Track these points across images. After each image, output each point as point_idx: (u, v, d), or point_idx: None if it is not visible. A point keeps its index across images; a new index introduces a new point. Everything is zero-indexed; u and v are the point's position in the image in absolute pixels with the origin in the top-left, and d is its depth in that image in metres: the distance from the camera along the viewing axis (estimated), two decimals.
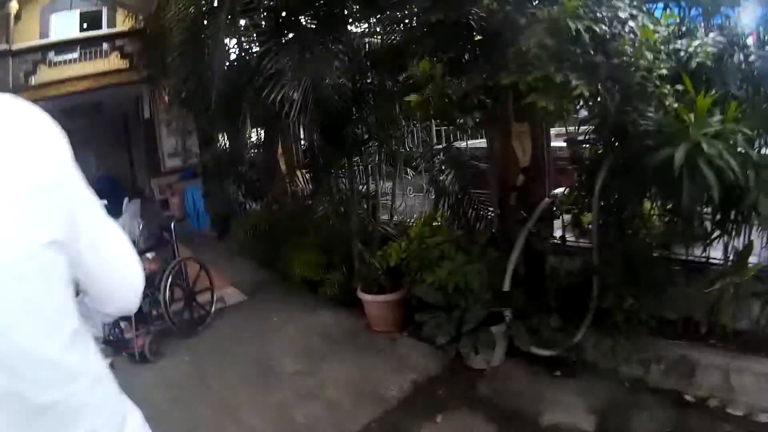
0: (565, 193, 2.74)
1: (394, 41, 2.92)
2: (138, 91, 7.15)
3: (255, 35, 3.57)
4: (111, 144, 10.48)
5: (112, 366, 2.40)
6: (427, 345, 2.86)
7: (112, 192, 7.68)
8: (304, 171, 4.84)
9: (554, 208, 2.84)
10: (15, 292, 0.52)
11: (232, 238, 5.63)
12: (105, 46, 8.34)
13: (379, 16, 3.05)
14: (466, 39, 2.49)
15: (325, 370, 2.86)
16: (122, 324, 3.14)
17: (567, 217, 2.81)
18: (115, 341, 3.17)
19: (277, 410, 2.54)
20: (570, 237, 2.85)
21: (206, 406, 2.65)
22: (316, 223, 3.99)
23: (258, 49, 3.37)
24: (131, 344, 3.15)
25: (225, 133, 5.73)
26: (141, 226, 3.87)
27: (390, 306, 3.21)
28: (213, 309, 3.75)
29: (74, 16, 9.23)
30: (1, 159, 0.53)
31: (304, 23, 3.24)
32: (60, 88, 8.11)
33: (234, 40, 3.73)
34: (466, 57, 2.50)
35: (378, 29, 3.21)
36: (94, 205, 0.67)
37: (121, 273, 0.74)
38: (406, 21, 2.82)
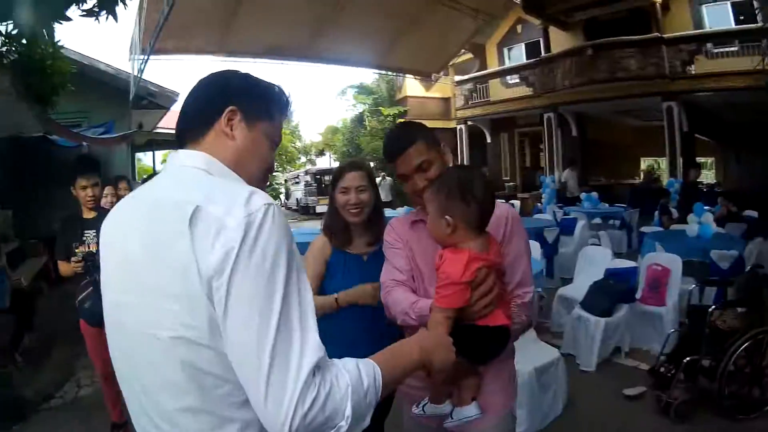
0: None
1: None
2: None
3: None
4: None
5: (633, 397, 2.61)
6: None
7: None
8: None
9: None
10: (144, 358, 0.74)
11: None
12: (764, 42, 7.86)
13: None
14: None
15: None
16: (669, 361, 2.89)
17: None
18: (659, 375, 2.96)
19: None
20: None
21: None
22: None
23: None
24: (667, 390, 2.81)
25: None
26: None
27: None
28: None
29: (726, 7, 9.73)
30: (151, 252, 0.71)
31: None
32: (719, 81, 8.75)
33: None
34: None
35: None
36: (260, 309, 0.65)
37: (255, 401, 0.66)
38: None
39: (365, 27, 7.90)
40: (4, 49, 3.88)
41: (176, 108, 10.59)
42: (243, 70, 0.91)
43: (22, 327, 4.08)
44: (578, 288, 4.05)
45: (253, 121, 0.86)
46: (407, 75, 11.86)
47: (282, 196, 22.83)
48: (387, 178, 14.48)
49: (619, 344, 3.66)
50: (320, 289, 1.74)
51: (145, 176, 7.64)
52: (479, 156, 15.52)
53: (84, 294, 2.59)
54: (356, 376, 0.71)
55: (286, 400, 0.63)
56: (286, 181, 23.72)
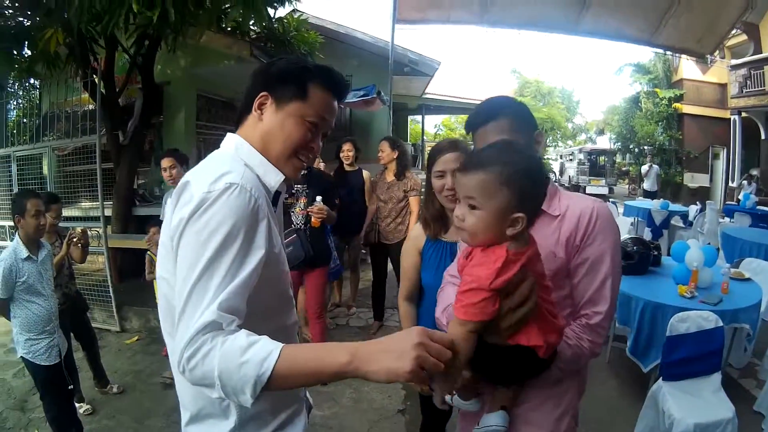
0: None
1: None
2: None
3: None
4: None
5: None
6: None
7: None
8: None
9: None
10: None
11: None
12: None
13: None
14: None
15: None
16: None
17: None
18: None
19: None
20: None
21: None
22: None
23: None
24: None
25: None
26: None
27: None
28: None
29: None
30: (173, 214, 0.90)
31: None
32: None
33: None
34: None
35: None
36: (188, 267, 0.82)
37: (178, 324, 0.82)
38: None
39: (633, 0, 7.29)
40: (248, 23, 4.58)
41: (439, 75, 11.49)
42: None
43: None
44: None
45: (284, 103, 0.96)
46: (681, 55, 10.37)
47: (555, 172, 22.40)
48: (654, 165, 13.08)
49: None
50: (419, 280, 1.73)
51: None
52: (753, 155, 12.64)
53: (288, 239, 2.97)
54: (240, 347, 0.76)
55: (183, 341, 0.78)
56: (561, 157, 23.20)
